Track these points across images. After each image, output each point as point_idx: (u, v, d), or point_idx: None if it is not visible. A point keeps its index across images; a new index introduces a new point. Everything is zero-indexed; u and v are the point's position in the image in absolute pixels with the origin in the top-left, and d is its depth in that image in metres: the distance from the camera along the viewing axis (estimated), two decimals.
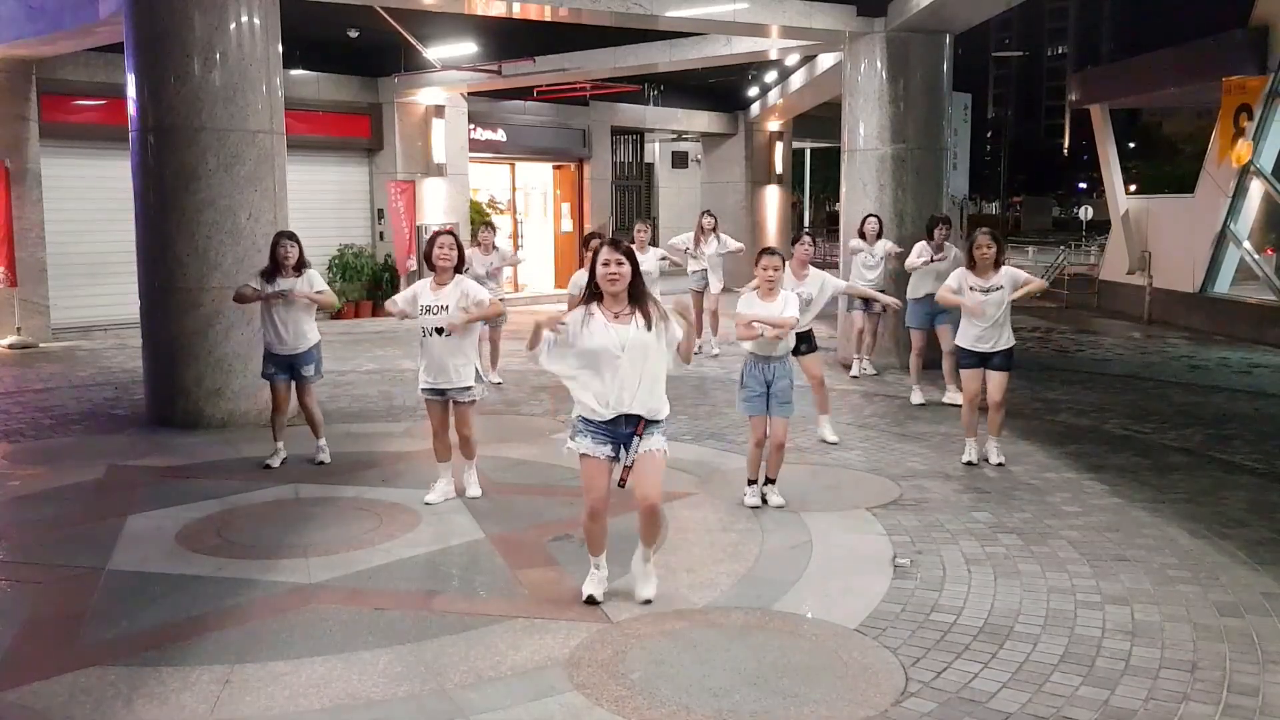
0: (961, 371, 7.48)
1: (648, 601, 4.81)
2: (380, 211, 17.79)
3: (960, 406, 9.31)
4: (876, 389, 10.57)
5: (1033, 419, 9.14)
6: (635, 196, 23.63)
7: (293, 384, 7.44)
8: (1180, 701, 3.99)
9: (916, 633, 4.60)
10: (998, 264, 7.25)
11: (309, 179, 15.57)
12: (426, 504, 6.41)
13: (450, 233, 6.34)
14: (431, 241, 6.25)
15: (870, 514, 6.32)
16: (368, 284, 17.44)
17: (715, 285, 12.58)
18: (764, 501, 6.43)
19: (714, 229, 12.60)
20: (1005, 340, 7.24)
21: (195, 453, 7.81)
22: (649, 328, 4.63)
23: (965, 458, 7.50)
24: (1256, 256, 15.63)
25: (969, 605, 4.92)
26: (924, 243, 9.91)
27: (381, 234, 17.83)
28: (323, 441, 7.56)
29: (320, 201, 16.65)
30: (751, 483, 6.50)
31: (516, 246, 20.90)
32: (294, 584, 5.21)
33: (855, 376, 11.15)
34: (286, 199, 9.00)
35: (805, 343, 7.87)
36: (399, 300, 6.41)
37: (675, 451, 7.75)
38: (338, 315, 16.92)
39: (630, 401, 4.62)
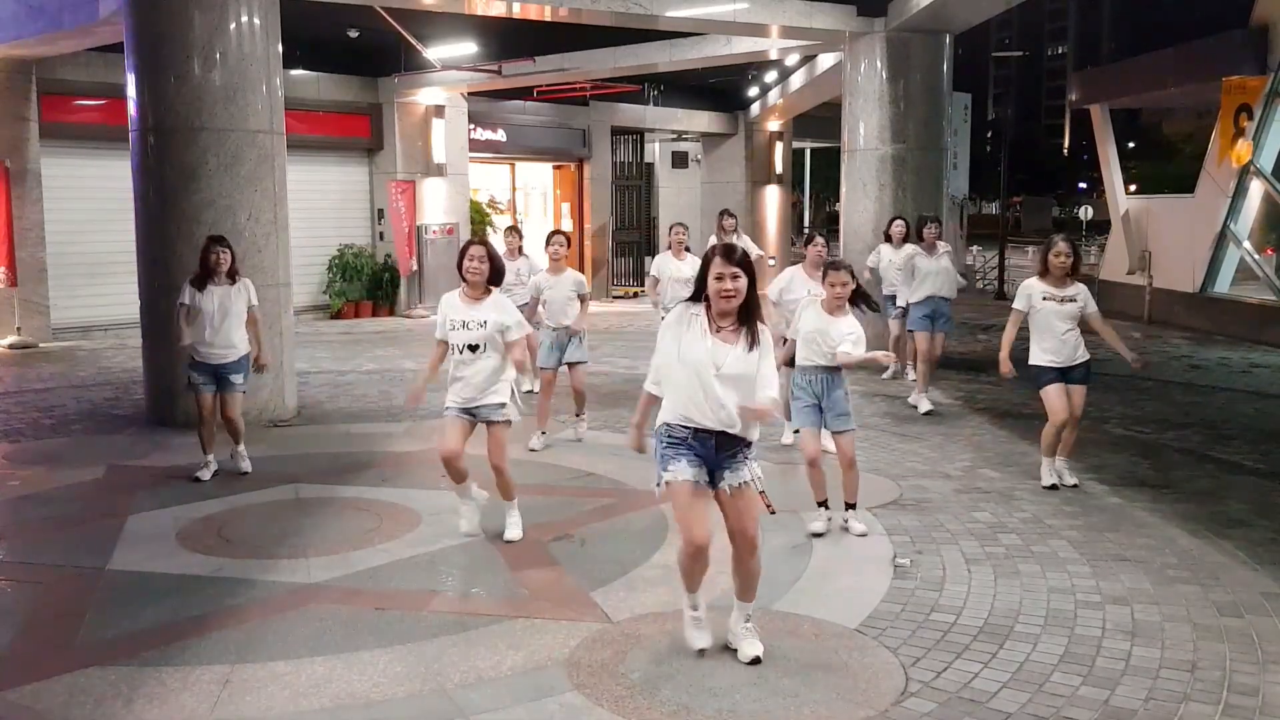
0: (1044, 390, 6.84)
1: (756, 660, 4.23)
2: (380, 211, 17.80)
3: (931, 413, 9.18)
4: (877, 389, 10.56)
5: (1032, 419, 9.12)
6: (635, 196, 23.60)
7: (218, 396, 7.10)
8: (1180, 701, 3.98)
9: (916, 633, 4.60)
10: (1074, 273, 6.77)
11: (309, 179, 15.58)
12: (465, 535, 5.82)
13: (483, 243, 5.77)
14: (462, 253, 5.71)
15: (870, 514, 6.32)
16: (368, 284, 17.44)
17: None
18: (845, 529, 5.99)
19: (735, 229, 11.88)
20: (1082, 353, 6.78)
21: (195, 453, 7.78)
22: (750, 349, 4.13)
23: (1045, 481, 6.91)
24: (1256, 256, 15.63)
25: (969, 605, 4.92)
26: (914, 246, 9.76)
27: (381, 234, 17.84)
28: (241, 448, 7.22)
29: (320, 201, 16.66)
30: (821, 504, 5.98)
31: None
32: (294, 584, 5.21)
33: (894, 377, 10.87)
34: (286, 199, 9.01)
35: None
36: (438, 334, 5.78)
37: None
38: (338, 315, 16.95)
39: (726, 423, 4.12)
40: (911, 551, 5.66)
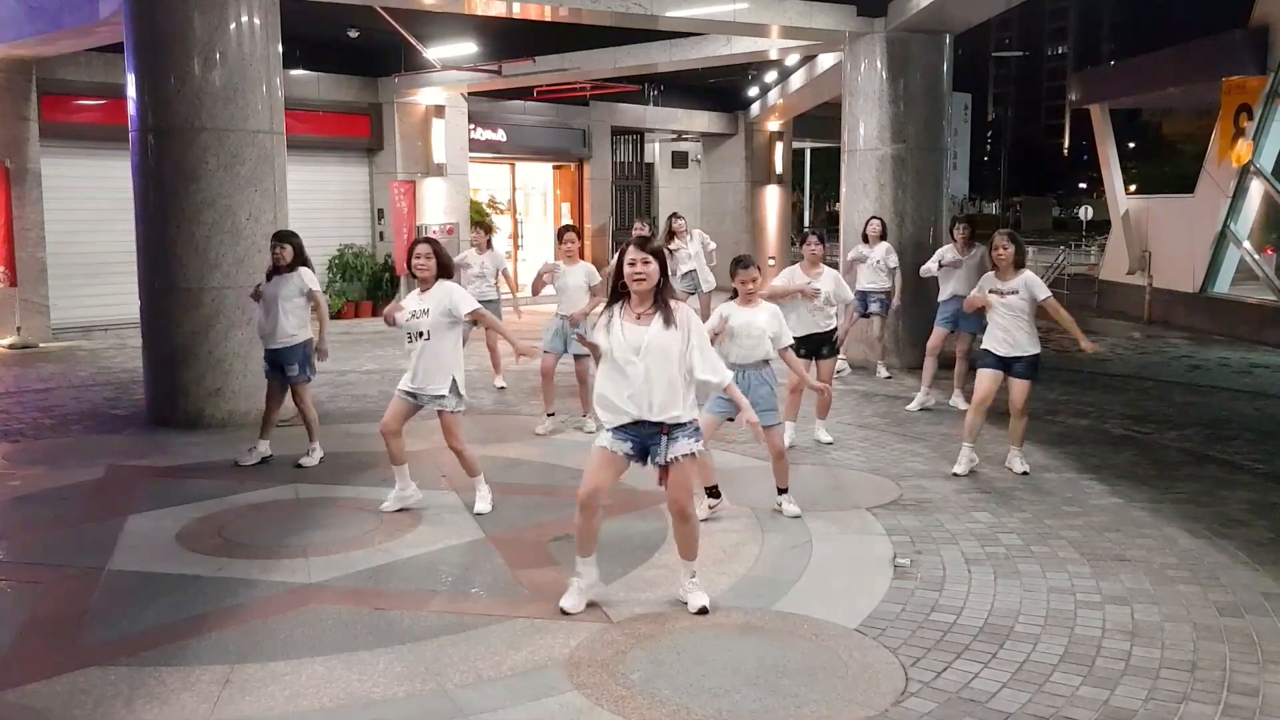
0: (978, 371, 7.20)
1: (703, 610, 4.72)
2: (380, 211, 17.79)
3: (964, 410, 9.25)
4: (877, 389, 10.56)
5: (1033, 419, 9.08)
6: (635, 196, 23.60)
7: (286, 383, 7.49)
8: (1180, 701, 3.99)
9: (916, 633, 4.60)
10: (1018, 266, 7.05)
11: (309, 179, 15.57)
12: (382, 511, 6.25)
13: (429, 240, 6.21)
14: (410, 250, 6.14)
15: (870, 514, 6.32)
16: (368, 284, 17.44)
17: (706, 285, 12.47)
18: (780, 511, 6.25)
19: (684, 230, 12.52)
20: (1029, 347, 7.00)
21: (195, 453, 7.81)
22: (668, 328, 4.56)
23: (957, 468, 7.18)
24: (1256, 256, 15.64)
25: (969, 605, 4.92)
26: (950, 245, 9.68)
27: (381, 234, 17.83)
28: (315, 444, 7.52)
29: (320, 201, 16.64)
30: (709, 491, 6.18)
31: (517, 246, 20.98)
32: (294, 584, 5.21)
33: (846, 373, 10.96)
34: (286, 199, 9.01)
35: (826, 345, 7.89)
36: (395, 312, 6.25)
37: None
38: (338, 315, 16.94)
39: (648, 408, 4.56)
40: (911, 551, 5.66)
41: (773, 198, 23.04)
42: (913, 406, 9.46)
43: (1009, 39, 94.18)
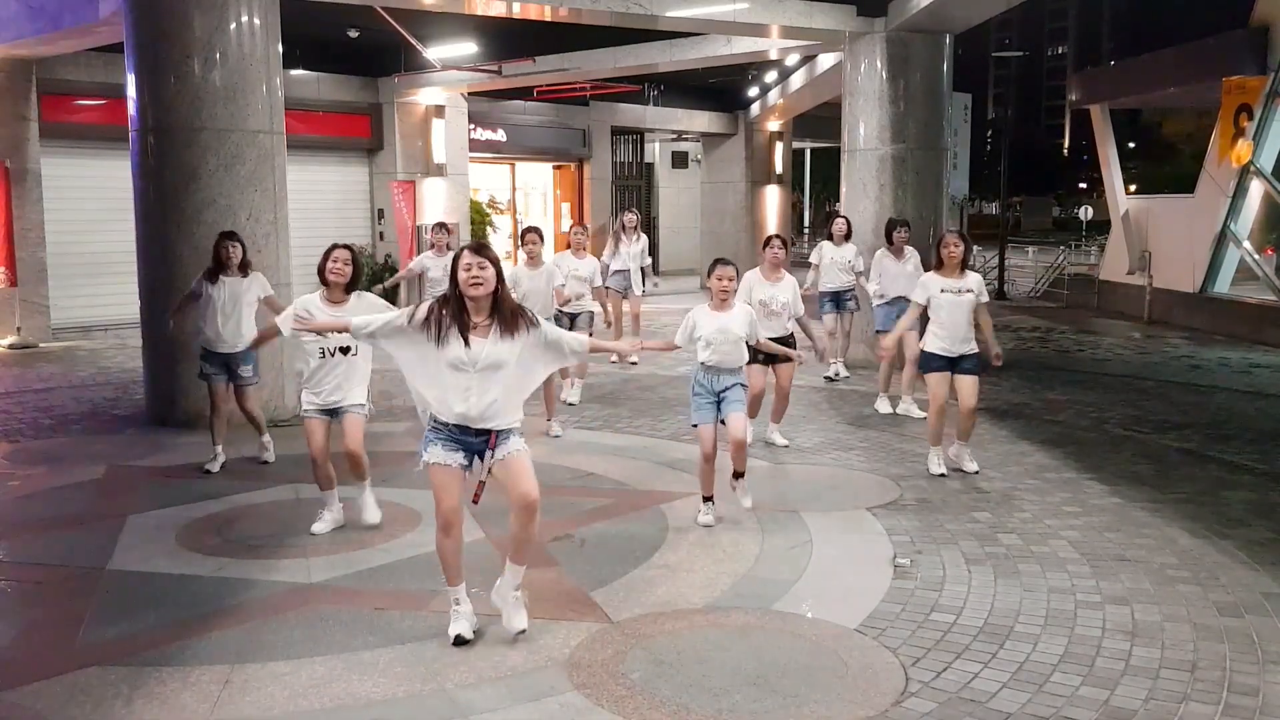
0: (928, 376, 7.15)
1: (521, 632, 4.48)
2: (380, 211, 17.79)
3: (922, 417, 9.03)
4: (876, 390, 10.54)
5: (1033, 419, 9.14)
6: (635, 196, 23.61)
7: (231, 386, 7.35)
8: (1180, 701, 3.98)
9: (916, 633, 4.60)
10: (964, 265, 7.10)
11: (309, 179, 15.58)
12: (313, 534, 5.88)
13: (347, 247, 5.86)
14: (326, 255, 5.74)
15: (870, 514, 6.32)
16: (367, 284, 17.39)
17: (638, 287, 12.31)
18: (735, 494, 6.24)
19: (635, 227, 12.42)
20: (973, 344, 7.04)
21: (195, 453, 7.80)
22: (502, 339, 4.33)
23: (934, 470, 7.14)
24: (1256, 256, 15.64)
25: (969, 605, 4.92)
26: (882, 249, 9.67)
27: (381, 234, 17.83)
28: (266, 438, 7.50)
29: (320, 201, 16.64)
30: (707, 500, 6.08)
31: (516, 246, 20.98)
32: (294, 584, 5.21)
33: (831, 379, 10.84)
34: (286, 199, 9.01)
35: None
36: (288, 317, 5.58)
37: (673, 452, 7.80)
38: None
39: (481, 416, 4.34)
40: (911, 551, 5.66)
41: (773, 198, 23.05)
42: (884, 409, 9.30)
43: (1009, 39, 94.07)
